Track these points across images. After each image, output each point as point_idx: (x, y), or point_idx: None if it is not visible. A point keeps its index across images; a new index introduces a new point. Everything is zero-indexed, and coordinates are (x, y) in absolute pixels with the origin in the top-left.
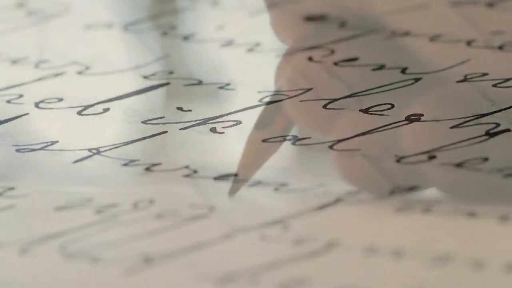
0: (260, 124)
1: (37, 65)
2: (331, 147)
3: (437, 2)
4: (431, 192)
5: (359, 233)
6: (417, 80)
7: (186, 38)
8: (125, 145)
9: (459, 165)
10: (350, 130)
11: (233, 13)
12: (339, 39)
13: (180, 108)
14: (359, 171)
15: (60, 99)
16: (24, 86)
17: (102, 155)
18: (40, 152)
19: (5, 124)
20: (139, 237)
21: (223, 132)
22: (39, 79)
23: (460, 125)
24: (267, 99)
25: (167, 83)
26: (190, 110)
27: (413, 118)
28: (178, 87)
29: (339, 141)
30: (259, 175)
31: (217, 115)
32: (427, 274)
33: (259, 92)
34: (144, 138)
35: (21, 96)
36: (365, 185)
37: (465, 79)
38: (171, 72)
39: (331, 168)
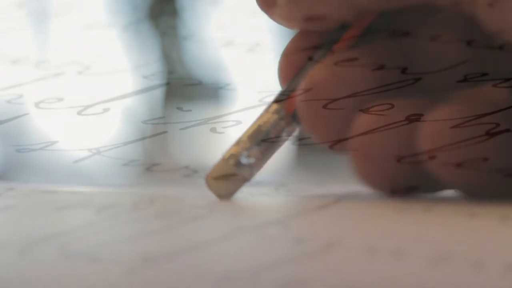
0: None
1: (37, 65)
2: (331, 147)
3: (438, 3)
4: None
5: (359, 233)
6: (417, 80)
7: (186, 38)
8: (125, 145)
9: (459, 165)
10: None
11: (233, 13)
12: (339, 39)
13: (180, 108)
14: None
15: (60, 99)
16: (24, 86)
17: (102, 155)
18: (40, 152)
19: (5, 124)
20: (139, 237)
21: (223, 132)
22: (39, 79)
23: (460, 125)
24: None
25: (167, 83)
26: (190, 110)
27: (413, 118)
28: (178, 87)
29: (339, 141)
30: (259, 175)
31: (217, 115)
32: (427, 274)
33: (259, 92)
34: (144, 138)
35: (21, 96)
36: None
37: (465, 79)
38: (171, 72)
39: (331, 168)
